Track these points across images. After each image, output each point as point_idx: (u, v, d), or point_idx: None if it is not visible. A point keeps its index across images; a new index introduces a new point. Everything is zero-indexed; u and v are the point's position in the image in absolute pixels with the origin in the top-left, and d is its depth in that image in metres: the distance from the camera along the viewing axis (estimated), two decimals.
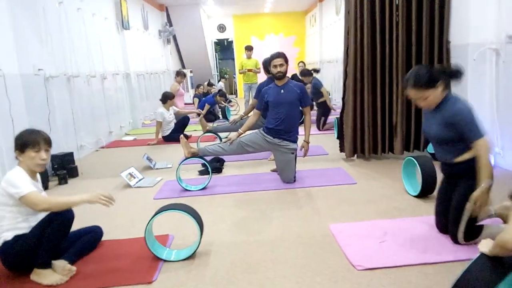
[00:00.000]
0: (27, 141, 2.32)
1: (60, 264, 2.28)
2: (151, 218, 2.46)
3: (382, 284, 2.06)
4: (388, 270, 2.18)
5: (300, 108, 3.95)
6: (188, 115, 7.19)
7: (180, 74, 8.75)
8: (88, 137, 6.11)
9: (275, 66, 3.79)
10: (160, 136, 6.66)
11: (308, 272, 2.23)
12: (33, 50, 4.76)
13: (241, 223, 3.00)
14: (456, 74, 2.37)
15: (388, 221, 2.84)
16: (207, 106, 8.21)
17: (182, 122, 6.90)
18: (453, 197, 2.43)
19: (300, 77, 7.45)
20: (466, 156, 2.34)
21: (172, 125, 6.70)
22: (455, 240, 2.42)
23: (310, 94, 6.69)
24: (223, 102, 8.90)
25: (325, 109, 7.08)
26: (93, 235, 2.66)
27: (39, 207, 2.23)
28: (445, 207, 2.52)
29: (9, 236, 2.27)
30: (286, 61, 3.83)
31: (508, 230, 1.53)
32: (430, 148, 4.52)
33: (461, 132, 2.28)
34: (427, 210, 2.98)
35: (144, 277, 2.26)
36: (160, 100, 6.71)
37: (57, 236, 2.29)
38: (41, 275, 2.23)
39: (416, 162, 3.25)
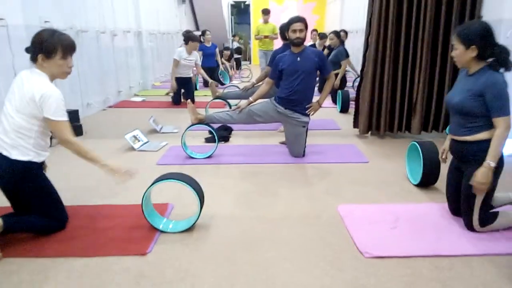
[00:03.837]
0: (56, 45, 2.11)
1: None
2: (149, 186, 2.32)
3: (391, 276, 1.91)
4: (398, 260, 2.03)
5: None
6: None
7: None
8: (95, 95, 5.96)
9: (294, 31, 3.51)
10: (174, 79, 6.36)
11: (311, 256, 2.09)
12: (40, 0, 4.53)
13: (245, 197, 2.85)
14: (502, 59, 2.14)
15: (400, 206, 2.66)
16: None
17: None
18: (463, 182, 2.29)
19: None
20: (480, 136, 2.18)
21: (189, 72, 6.46)
22: (470, 228, 2.28)
23: None
24: (223, 61, 8.41)
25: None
26: (47, 222, 2.28)
27: (67, 138, 2.12)
28: (454, 190, 2.42)
29: (35, 158, 2.15)
30: (306, 26, 3.55)
31: None
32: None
33: (487, 105, 2.12)
34: (443, 196, 2.79)
35: (138, 247, 2.14)
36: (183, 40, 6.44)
37: (34, 229, 2.24)
38: None
39: (419, 149, 2.91)
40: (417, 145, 2.95)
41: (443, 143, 2.51)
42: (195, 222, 2.35)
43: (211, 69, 8.33)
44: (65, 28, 4.95)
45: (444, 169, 2.89)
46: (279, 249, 2.16)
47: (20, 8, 4.15)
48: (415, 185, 3.01)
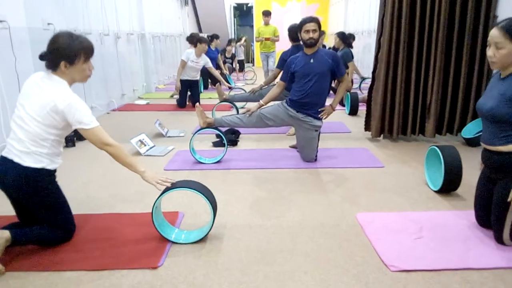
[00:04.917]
0: (78, 50, 2.02)
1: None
2: (160, 195, 2.20)
3: None
4: (426, 274, 1.90)
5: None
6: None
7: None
8: (99, 98, 5.85)
9: (307, 32, 3.39)
10: (179, 80, 6.26)
11: (333, 268, 1.96)
12: (42, 2, 4.44)
13: (257, 204, 2.73)
14: None
15: (422, 214, 2.53)
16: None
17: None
18: (495, 193, 2.13)
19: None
20: None
21: (196, 75, 6.35)
22: (500, 241, 2.14)
23: None
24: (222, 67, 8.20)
25: None
26: (55, 233, 2.16)
27: (108, 142, 2.04)
28: (485, 201, 2.24)
29: (49, 165, 2.06)
30: (320, 26, 3.43)
31: None
32: (465, 133, 4.16)
33: None
34: (467, 203, 2.67)
35: (149, 260, 2.02)
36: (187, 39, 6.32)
37: (42, 240, 2.12)
38: None
39: (440, 153, 2.77)
40: (438, 149, 2.82)
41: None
42: (207, 233, 2.23)
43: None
44: (68, 30, 4.84)
45: (466, 175, 2.77)
46: (298, 260, 2.03)
47: (22, 10, 4.04)
48: (435, 192, 2.88)
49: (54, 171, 2.14)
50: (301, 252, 2.11)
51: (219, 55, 8.73)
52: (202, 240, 2.22)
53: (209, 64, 6.51)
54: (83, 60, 2.06)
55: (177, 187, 2.18)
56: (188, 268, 1.98)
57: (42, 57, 2.05)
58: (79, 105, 2.00)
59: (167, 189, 2.18)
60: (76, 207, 2.44)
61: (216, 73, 6.69)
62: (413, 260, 1.99)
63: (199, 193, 2.16)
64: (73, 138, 4.28)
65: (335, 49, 6.94)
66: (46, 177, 2.08)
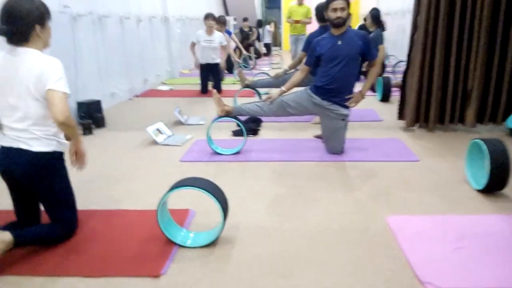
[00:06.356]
0: (44, 9, 1.88)
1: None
2: (166, 194, 1.99)
3: None
4: None
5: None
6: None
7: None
8: (121, 84, 5.70)
9: (335, 10, 3.05)
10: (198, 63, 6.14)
11: (357, 284, 1.70)
12: None
13: (276, 203, 2.48)
14: None
15: (464, 218, 2.22)
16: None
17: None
18: None
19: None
20: None
21: (214, 57, 6.08)
22: None
23: None
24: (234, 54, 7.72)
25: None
26: (57, 230, 2.02)
27: (70, 115, 1.84)
28: None
29: (58, 147, 1.95)
30: (349, 4, 3.09)
31: None
32: (511, 122, 3.73)
33: None
34: None
35: (152, 267, 1.82)
36: None
37: (44, 238, 1.97)
38: None
39: (485, 147, 2.42)
40: (481, 143, 2.47)
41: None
42: (217, 236, 2.01)
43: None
44: (85, 13, 4.69)
45: None
46: (318, 272, 1.78)
47: None
48: (478, 191, 2.54)
49: (63, 153, 2.02)
50: (321, 262, 1.86)
51: (232, 34, 8.33)
52: (211, 244, 2.00)
53: (224, 43, 6.22)
54: (49, 18, 1.92)
55: (184, 185, 1.96)
56: (193, 277, 1.77)
57: (7, 31, 1.81)
58: (61, 67, 1.86)
59: (174, 186, 1.98)
60: (81, 202, 2.28)
61: (232, 53, 6.42)
62: (453, 277, 1.70)
63: (206, 192, 1.93)
64: (91, 125, 4.15)
65: (364, 28, 6.47)
66: (58, 160, 1.98)
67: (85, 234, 2.11)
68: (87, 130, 4.12)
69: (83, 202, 2.36)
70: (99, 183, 2.83)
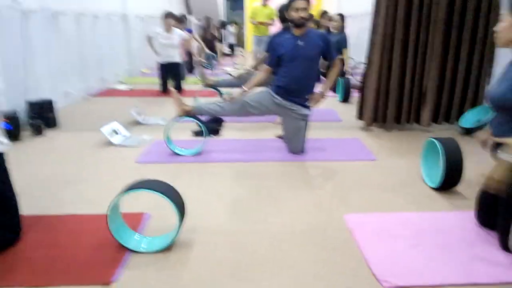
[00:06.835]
0: None
1: None
2: (117, 197, 1.89)
3: None
4: None
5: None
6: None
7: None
8: (76, 83, 5.45)
9: (297, 10, 3.03)
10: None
11: (320, 284, 1.68)
12: None
13: (237, 204, 2.43)
14: None
15: (419, 215, 2.25)
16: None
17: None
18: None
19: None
20: None
21: (173, 55, 5.97)
22: (505, 248, 1.87)
23: None
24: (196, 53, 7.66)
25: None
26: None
27: None
28: (490, 199, 1.98)
29: None
30: (309, 5, 3.09)
31: None
32: (463, 122, 3.87)
33: None
34: (468, 203, 2.39)
35: (101, 274, 1.72)
36: None
37: None
38: None
39: (440, 146, 2.47)
40: (436, 142, 2.53)
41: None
42: (173, 240, 1.93)
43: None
44: (38, 9, 4.44)
45: (465, 169, 2.49)
46: (281, 275, 1.74)
47: None
48: (433, 189, 2.60)
49: (3, 154, 1.88)
50: (283, 264, 1.82)
51: (194, 32, 8.20)
52: (168, 248, 1.91)
53: (186, 37, 6.17)
54: None
55: (136, 188, 1.87)
56: (147, 284, 1.69)
57: None
58: None
59: (126, 189, 1.88)
60: (27, 206, 2.13)
61: (199, 40, 6.39)
62: (410, 274, 1.71)
63: (162, 195, 1.85)
64: (41, 126, 3.92)
65: (329, 32, 6.55)
66: None
67: (30, 241, 1.96)
68: (37, 131, 3.90)
69: (28, 207, 2.21)
70: (46, 186, 2.67)
